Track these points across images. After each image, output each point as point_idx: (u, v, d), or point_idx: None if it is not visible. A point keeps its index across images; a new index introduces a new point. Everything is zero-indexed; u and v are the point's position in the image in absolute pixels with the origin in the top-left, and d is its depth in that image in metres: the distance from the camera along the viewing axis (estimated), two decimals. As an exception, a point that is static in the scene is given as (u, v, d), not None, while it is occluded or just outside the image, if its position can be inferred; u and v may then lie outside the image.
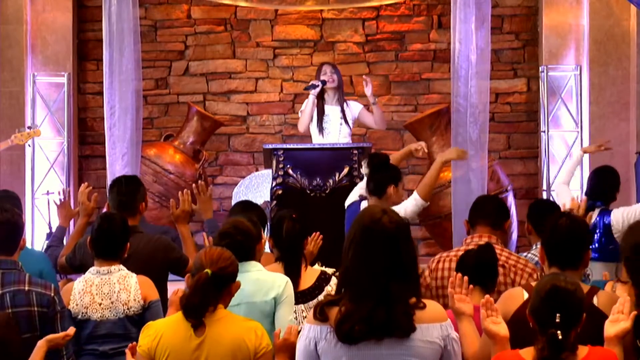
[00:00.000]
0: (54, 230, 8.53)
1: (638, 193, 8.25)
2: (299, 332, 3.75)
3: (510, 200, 8.77)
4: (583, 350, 3.46)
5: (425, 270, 5.18)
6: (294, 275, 4.67)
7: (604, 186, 6.86)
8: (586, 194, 6.83)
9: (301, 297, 4.65)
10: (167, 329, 3.73)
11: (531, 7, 9.95)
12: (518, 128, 10.01)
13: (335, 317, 3.16)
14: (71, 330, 4.27)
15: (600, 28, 9.18)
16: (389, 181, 6.01)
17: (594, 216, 6.57)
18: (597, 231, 6.58)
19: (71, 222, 6.33)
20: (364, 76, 8.43)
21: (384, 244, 3.18)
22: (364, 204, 6.03)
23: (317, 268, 4.96)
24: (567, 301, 3.47)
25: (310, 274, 4.79)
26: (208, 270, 3.70)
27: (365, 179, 6.19)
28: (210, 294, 3.68)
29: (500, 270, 4.87)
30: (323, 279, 4.77)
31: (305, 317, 4.55)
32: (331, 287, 4.71)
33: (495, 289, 4.73)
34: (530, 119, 9.97)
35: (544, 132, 9.32)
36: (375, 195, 5.99)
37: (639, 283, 4.01)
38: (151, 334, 3.74)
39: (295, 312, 4.55)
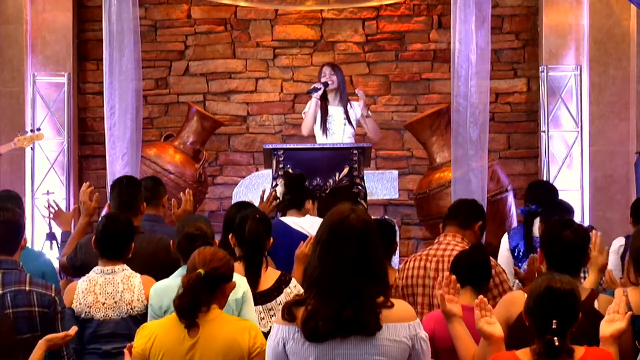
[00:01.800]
0: (53, 230, 8.60)
1: (638, 193, 8.23)
2: None
3: (510, 200, 8.77)
4: (579, 351, 3.46)
5: (396, 274, 5.24)
6: (254, 275, 4.67)
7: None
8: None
9: (260, 298, 4.66)
10: (161, 330, 3.73)
11: (531, 7, 9.94)
12: (518, 128, 10.01)
13: (301, 316, 3.17)
14: (72, 330, 4.27)
15: (600, 28, 9.17)
16: (307, 196, 6.24)
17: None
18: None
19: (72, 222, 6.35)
20: (357, 90, 8.36)
21: (351, 241, 3.18)
22: (287, 219, 6.09)
23: (277, 270, 4.95)
24: (562, 302, 3.47)
25: (270, 276, 4.79)
26: (201, 271, 3.70)
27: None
28: (202, 294, 3.68)
29: None
30: (283, 281, 4.78)
31: (263, 318, 4.61)
32: (290, 289, 4.72)
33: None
34: (530, 119, 9.97)
35: (544, 132, 9.31)
36: (295, 207, 6.17)
37: None
38: (146, 334, 3.74)
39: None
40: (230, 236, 4.87)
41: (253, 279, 4.64)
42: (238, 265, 4.74)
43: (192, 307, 3.67)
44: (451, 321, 4.08)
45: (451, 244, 5.19)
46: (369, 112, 8.21)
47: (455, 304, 4.11)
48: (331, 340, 3.15)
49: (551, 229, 4.17)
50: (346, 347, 3.15)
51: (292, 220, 6.04)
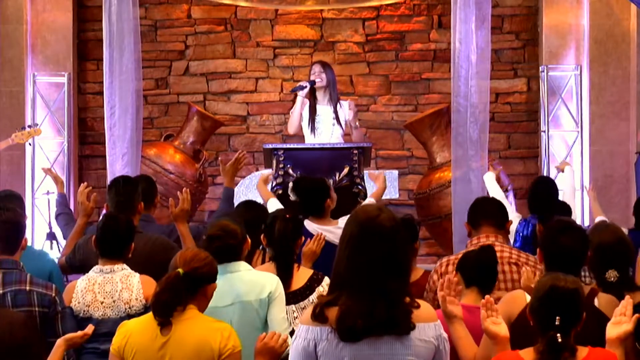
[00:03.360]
0: (53, 230, 8.62)
1: (638, 193, 8.24)
2: (286, 338, 3.76)
3: (511, 200, 8.77)
4: (583, 352, 3.46)
5: (433, 275, 5.14)
6: (286, 275, 4.65)
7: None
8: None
9: (292, 297, 4.63)
10: (136, 328, 3.74)
11: (531, 7, 9.95)
12: (518, 128, 10.01)
13: (335, 316, 3.16)
14: (89, 329, 4.29)
15: (600, 28, 9.18)
16: (324, 198, 6.02)
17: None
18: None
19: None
20: (348, 101, 8.23)
21: (382, 242, 3.19)
22: (309, 225, 5.96)
23: (310, 269, 4.93)
24: (566, 301, 3.48)
25: (302, 274, 4.77)
26: (180, 270, 3.71)
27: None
28: (180, 293, 3.68)
29: (514, 268, 4.91)
30: (315, 280, 4.75)
31: (296, 317, 4.58)
32: (323, 288, 4.69)
33: (511, 286, 4.76)
34: (531, 119, 9.98)
35: (544, 132, 9.32)
36: (316, 214, 5.97)
37: (603, 282, 4.14)
38: (122, 332, 3.75)
39: (286, 312, 4.55)
40: (262, 237, 4.85)
41: (284, 278, 4.62)
42: (270, 266, 4.74)
43: (167, 305, 3.67)
44: (452, 322, 4.08)
45: (497, 245, 5.01)
46: (357, 124, 8.08)
47: (456, 306, 4.11)
48: (365, 340, 3.15)
49: (550, 231, 4.16)
50: (379, 347, 3.16)
51: (314, 228, 5.86)
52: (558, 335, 3.40)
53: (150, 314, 3.74)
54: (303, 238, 4.93)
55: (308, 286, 4.71)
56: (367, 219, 3.23)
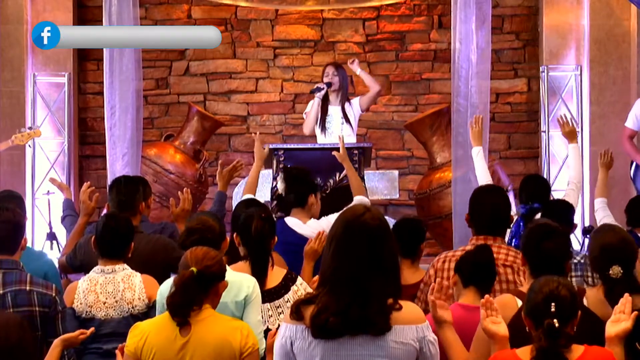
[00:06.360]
0: (54, 230, 8.62)
1: (638, 193, 8.23)
2: None
3: (511, 200, 8.76)
4: (578, 350, 3.46)
5: (429, 270, 5.15)
6: (261, 274, 4.63)
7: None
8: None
9: (267, 296, 4.62)
10: (152, 329, 3.73)
11: (531, 7, 9.95)
12: (518, 128, 10.01)
13: (311, 313, 3.16)
14: (90, 330, 4.29)
15: (600, 28, 9.18)
16: (310, 191, 6.06)
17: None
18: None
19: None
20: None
21: (365, 240, 3.18)
22: (289, 220, 6.00)
23: (283, 269, 4.91)
24: (562, 297, 3.49)
25: (276, 274, 4.74)
26: (193, 269, 3.70)
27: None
28: (194, 292, 3.68)
29: (509, 270, 4.90)
30: (289, 279, 4.73)
31: (271, 316, 4.58)
32: (297, 287, 4.69)
33: (505, 287, 4.76)
34: (531, 119, 9.98)
35: (545, 132, 9.32)
36: (298, 206, 6.03)
37: (607, 279, 4.14)
38: (137, 334, 3.74)
39: (261, 311, 4.55)
40: (234, 235, 4.82)
41: (260, 277, 4.62)
42: (244, 265, 4.71)
43: (184, 305, 3.66)
44: (442, 327, 4.05)
45: (494, 247, 4.98)
46: (360, 69, 8.55)
47: (446, 310, 4.10)
48: (339, 339, 3.14)
49: (532, 236, 4.16)
50: (353, 347, 3.14)
51: (295, 223, 5.95)
52: (555, 320, 3.40)
53: (165, 315, 3.73)
54: (276, 238, 4.88)
55: (283, 285, 4.69)
56: (352, 217, 3.22)
